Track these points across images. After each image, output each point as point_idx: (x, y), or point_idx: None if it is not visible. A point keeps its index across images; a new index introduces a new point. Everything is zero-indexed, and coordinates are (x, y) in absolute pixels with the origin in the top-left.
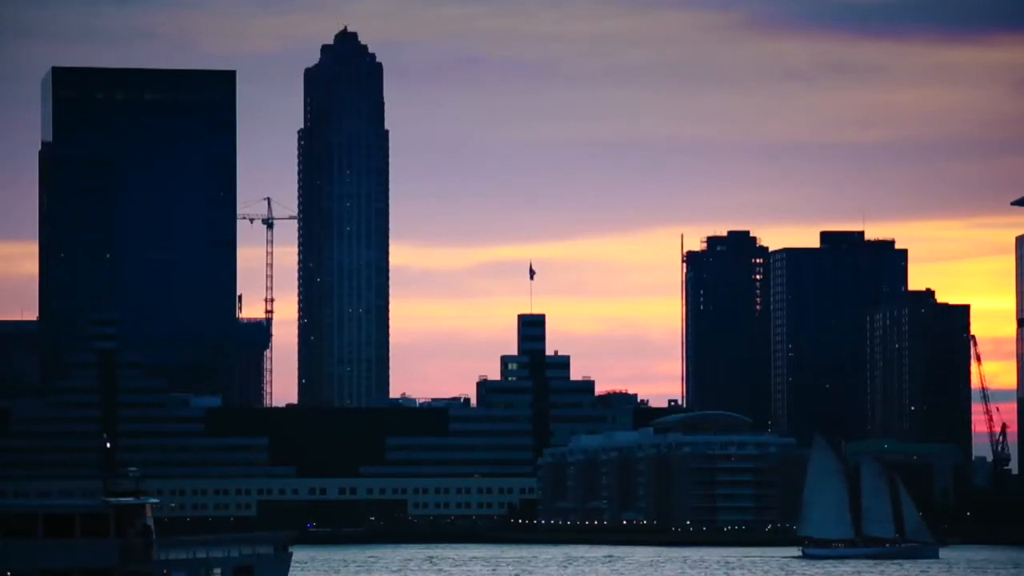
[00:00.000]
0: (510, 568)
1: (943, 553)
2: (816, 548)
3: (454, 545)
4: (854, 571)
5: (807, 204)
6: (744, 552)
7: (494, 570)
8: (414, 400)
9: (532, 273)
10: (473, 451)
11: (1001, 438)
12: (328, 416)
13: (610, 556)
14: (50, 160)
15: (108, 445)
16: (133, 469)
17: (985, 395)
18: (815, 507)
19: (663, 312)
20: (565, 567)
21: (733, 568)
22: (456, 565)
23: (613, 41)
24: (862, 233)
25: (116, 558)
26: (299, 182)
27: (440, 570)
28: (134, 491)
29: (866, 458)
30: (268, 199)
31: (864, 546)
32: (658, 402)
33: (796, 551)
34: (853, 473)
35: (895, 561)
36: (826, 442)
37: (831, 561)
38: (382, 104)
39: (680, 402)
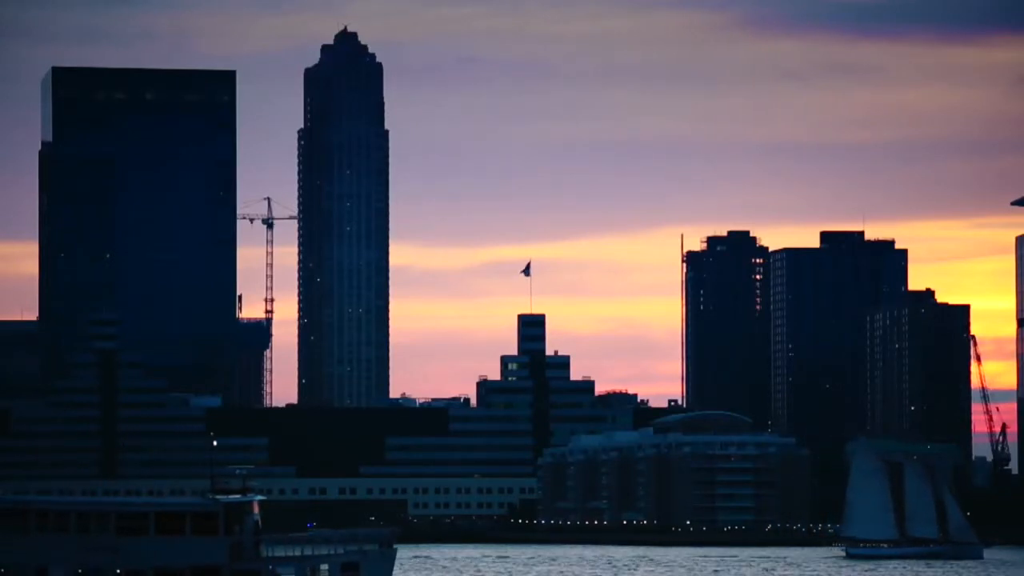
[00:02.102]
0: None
1: (987, 554)
2: (859, 548)
3: (456, 545)
4: (915, 573)
5: (807, 204)
6: (786, 552)
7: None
8: (414, 400)
9: (526, 270)
10: (473, 451)
11: (1001, 438)
12: (328, 416)
13: (645, 556)
14: (50, 160)
15: (215, 444)
16: (240, 469)
17: (985, 395)
18: (858, 508)
19: (663, 312)
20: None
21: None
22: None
23: (613, 41)
24: (862, 233)
25: (225, 555)
26: (299, 182)
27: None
28: (241, 489)
29: (909, 458)
30: (268, 199)
31: (908, 546)
32: (658, 402)
33: (840, 551)
34: (896, 474)
35: (945, 561)
36: (868, 443)
37: (876, 561)
38: (382, 104)
39: (680, 402)
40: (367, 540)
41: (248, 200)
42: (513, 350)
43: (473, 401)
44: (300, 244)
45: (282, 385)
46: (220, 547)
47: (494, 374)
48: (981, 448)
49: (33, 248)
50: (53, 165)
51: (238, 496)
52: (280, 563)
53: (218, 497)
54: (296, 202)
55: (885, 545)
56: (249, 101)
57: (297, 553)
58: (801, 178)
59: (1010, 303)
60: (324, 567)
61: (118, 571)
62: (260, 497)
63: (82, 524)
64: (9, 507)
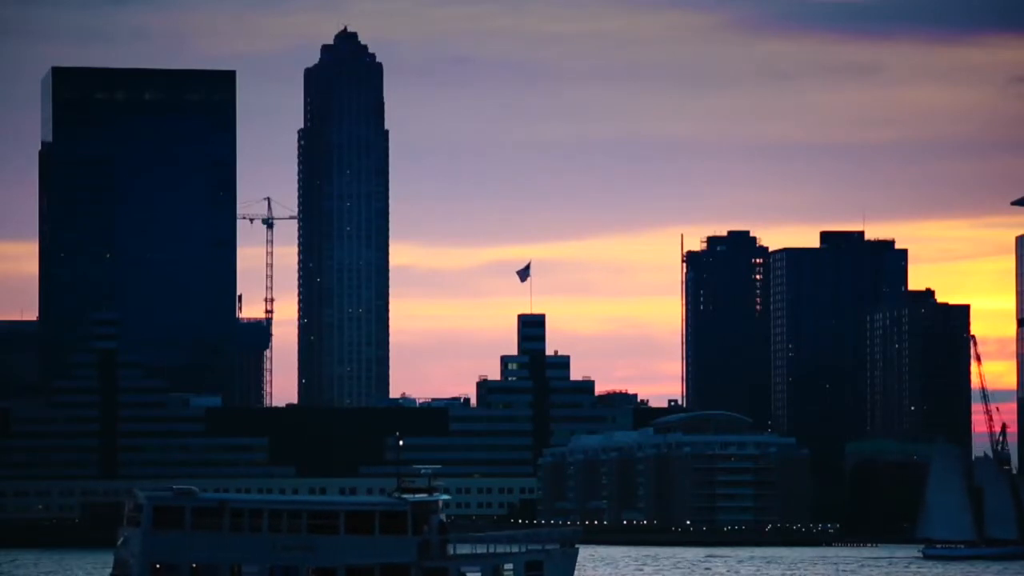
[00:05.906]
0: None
1: None
2: (936, 548)
3: None
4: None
5: (807, 204)
6: (863, 553)
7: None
8: (414, 400)
9: (525, 272)
10: (473, 451)
11: (1001, 438)
12: (328, 416)
13: (712, 555)
14: (50, 160)
15: (401, 443)
16: (425, 468)
17: (985, 395)
18: (937, 508)
19: (663, 312)
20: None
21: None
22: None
23: (612, 41)
24: (862, 233)
25: (414, 554)
26: (299, 182)
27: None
28: (427, 488)
29: (987, 461)
30: (268, 199)
31: (985, 547)
32: (658, 402)
33: (916, 551)
34: (975, 475)
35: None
36: (948, 444)
37: (956, 561)
38: (382, 104)
39: (680, 402)
40: (550, 540)
41: (248, 200)
42: (513, 350)
43: (473, 401)
44: (300, 244)
45: (282, 385)
46: (409, 546)
47: (494, 374)
48: (981, 448)
49: (33, 248)
50: (53, 165)
51: (424, 495)
52: (466, 562)
53: (406, 496)
54: (296, 202)
55: (962, 546)
56: (249, 101)
57: (482, 551)
58: (801, 178)
59: (1010, 303)
60: (508, 566)
61: (310, 569)
62: (446, 496)
63: (275, 523)
64: (205, 506)
